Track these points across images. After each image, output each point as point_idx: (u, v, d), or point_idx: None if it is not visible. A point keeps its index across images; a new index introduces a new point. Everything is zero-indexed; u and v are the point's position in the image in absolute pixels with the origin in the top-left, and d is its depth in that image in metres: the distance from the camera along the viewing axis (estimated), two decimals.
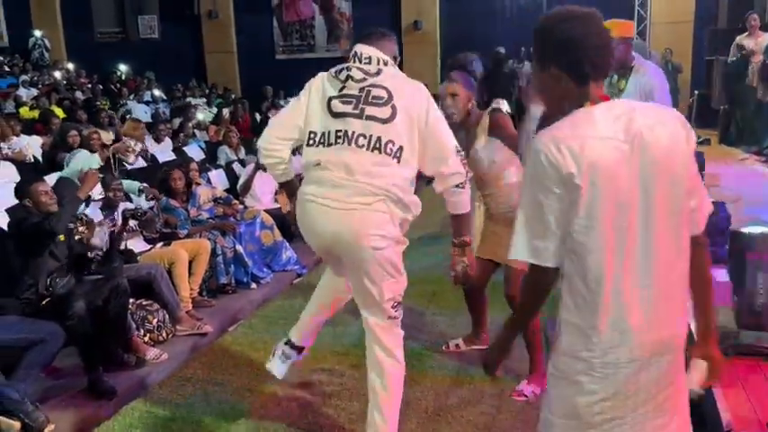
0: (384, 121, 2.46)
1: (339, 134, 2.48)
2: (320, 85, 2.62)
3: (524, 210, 1.63)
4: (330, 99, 2.55)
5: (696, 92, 10.37)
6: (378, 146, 2.43)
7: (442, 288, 4.62)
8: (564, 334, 1.67)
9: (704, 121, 10.13)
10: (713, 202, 4.00)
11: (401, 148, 2.45)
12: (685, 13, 12.35)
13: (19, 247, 3.74)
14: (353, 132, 2.46)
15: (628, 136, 1.55)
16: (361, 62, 2.58)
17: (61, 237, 3.86)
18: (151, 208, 5.05)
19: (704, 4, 11.71)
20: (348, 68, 2.58)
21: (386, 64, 2.59)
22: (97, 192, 4.18)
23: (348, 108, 2.50)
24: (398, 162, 2.45)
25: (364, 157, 2.43)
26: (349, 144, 2.45)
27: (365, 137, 2.45)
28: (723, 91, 9.35)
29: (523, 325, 1.82)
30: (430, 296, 4.65)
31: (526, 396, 3.23)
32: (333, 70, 2.63)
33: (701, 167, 6.03)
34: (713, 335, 1.78)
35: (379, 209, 2.44)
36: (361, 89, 2.52)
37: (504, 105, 3.20)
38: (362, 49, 2.61)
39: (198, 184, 5.67)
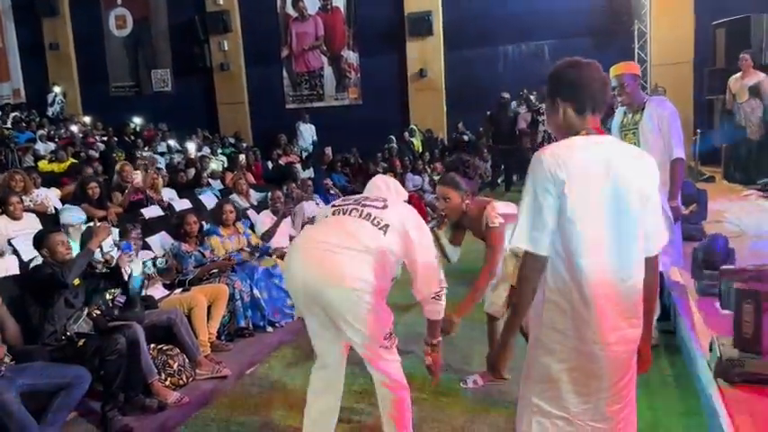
0: (377, 208, 2.82)
1: (335, 211, 2.88)
2: None
3: (526, 206, 2.00)
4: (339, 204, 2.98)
5: (699, 131, 10.50)
6: (367, 218, 2.78)
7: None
8: (546, 311, 2.04)
9: (708, 158, 10.27)
10: (718, 236, 4.16)
11: (387, 225, 2.75)
12: (684, 53, 12.50)
13: (35, 297, 3.91)
14: (347, 208, 2.85)
15: (608, 164, 1.97)
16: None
17: (76, 281, 4.03)
18: (163, 256, 5.22)
19: (702, 44, 11.90)
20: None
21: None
22: (108, 245, 4.35)
23: (349, 206, 2.88)
24: (384, 234, 2.73)
25: (353, 221, 2.77)
26: (342, 214, 2.83)
27: (358, 210, 2.82)
28: (720, 130, 9.60)
29: (521, 313, 2.06)
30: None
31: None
32: None
33: (704, 203, 6.16)
34: (648, 336, 2.18)
35: (359, 258, 2.66)
36: (365, 202, 2.91)
37: (498, 219, 3.41)
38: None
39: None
